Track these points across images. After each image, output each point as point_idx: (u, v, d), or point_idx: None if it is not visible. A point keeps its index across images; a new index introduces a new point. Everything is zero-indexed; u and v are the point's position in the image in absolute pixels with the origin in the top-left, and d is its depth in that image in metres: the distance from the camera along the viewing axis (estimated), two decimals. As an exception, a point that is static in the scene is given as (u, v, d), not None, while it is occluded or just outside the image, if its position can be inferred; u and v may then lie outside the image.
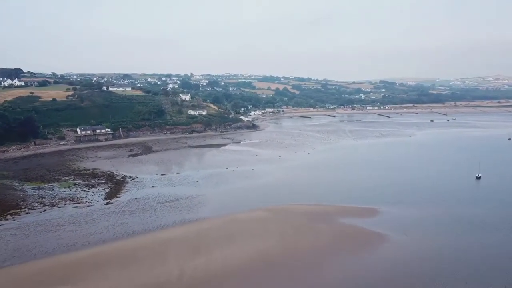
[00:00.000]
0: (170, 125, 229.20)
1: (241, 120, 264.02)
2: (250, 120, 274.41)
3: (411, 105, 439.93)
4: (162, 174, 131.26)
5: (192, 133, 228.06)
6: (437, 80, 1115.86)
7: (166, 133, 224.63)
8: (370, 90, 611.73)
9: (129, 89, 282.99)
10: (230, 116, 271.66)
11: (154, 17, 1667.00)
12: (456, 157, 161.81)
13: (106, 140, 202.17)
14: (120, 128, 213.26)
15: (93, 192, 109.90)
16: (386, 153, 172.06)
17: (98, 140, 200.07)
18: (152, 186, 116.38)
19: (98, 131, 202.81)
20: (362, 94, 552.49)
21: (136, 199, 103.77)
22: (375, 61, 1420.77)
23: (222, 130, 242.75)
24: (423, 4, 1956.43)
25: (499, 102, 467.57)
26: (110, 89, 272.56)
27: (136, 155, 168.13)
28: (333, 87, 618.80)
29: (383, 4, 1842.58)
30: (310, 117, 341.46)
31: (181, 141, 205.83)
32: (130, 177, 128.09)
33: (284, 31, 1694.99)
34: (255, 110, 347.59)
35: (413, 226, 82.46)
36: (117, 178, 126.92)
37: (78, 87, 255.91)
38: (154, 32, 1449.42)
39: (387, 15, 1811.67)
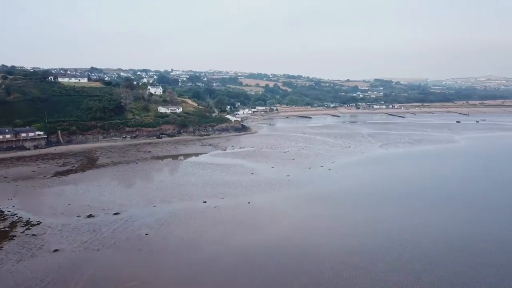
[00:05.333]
0: (131, 126, 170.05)
1: (228, 120, 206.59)
2: (239, 120, 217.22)
3: (419, 104, 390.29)
4: (89, 215, 73.49)
5: (161, 137, 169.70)
6: (428, 80, 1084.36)
7: (125, 137, 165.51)
8: (367, 88, 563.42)
9: (85, 80, 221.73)
10: (213, 115, 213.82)
11: (132, 13, 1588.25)
12: None
13: (35, 147, 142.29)
14: (59, 131, 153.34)
15: None
16: (449, 170, 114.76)
17: (23, 148, 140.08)
18: (55, 250, 58.82)
19: (23, 134, 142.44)
20: (360, 93, 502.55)
21: (-5, 295, 46.04)
22: (364, 62, 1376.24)
23: (202, 132, 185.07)
24: (414, 7, 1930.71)
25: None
26: (60, 80, 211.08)
27: (66, 172, 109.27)
28: (327, 84, 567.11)
29: (373, 4, 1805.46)
30: (310, 117, 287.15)
31: (143, 149, 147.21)
32: (28, 222, 70.61)
33: (271, 29, 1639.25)
34: (243, 109, 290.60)
35: None
36: (1, 225, 68.79)
37: (11, 76, 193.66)
38: (135, 29, 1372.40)
39: (378, 16, 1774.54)
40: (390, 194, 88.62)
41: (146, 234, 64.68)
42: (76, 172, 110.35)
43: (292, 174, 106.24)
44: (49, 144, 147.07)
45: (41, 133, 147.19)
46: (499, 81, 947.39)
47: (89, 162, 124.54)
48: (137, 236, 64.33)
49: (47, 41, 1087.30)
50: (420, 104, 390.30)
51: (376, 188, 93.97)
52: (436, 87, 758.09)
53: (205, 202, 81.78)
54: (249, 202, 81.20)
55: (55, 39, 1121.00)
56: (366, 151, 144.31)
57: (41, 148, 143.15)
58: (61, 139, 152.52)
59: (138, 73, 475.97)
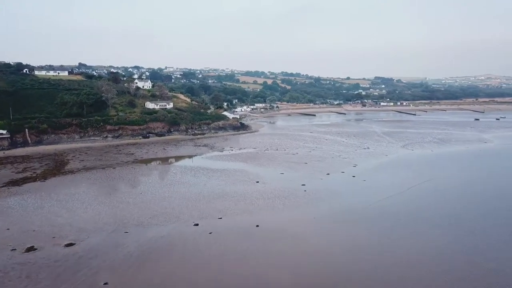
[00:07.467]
0: (113, 124, 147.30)
1: (225, 118, 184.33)
2: (237, 117, 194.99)
3: (428, 101, 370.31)
4: (30, 248, 51.11)
5: (148, 137, 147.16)
6: (428, 79, 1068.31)
7: (106, 136, 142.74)
8: (368, 86, 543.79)
9: (65, 73, 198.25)
10: (209, 111, 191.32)
11: (131, 12, 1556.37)
12: None
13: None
14: (27, 130, 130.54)
15: None
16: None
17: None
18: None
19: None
20: (361, 90, 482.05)
21: None
22: (363, 61, 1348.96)
23: (196, 131, 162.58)
24: (413, 7, 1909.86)
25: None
26: (37, 73, 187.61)
27: (23, 181, 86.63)
28: (327, 82, 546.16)
29: (372, 4, 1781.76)
30: (314, 115, 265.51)
31: (125, 151, 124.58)
32: None
33: (268, 28, 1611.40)
34: (241, 106, 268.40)
35: None
36: None
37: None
38: (134, 28, 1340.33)
39: (377, 15, 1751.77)
40: (448, 212, 66.65)
41: (105, 284, 42.33)
42: (35, 180, 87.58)
43: (308, 182, 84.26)
44: (13, 145, 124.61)
45: (4, 132, 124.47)
46: (499, 80, 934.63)
47: (56, 167, 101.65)
48: (90, 287, 41.97)
49: (41, 39, 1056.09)
50: (429, 101, 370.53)
51: (424, 204, 71.91)
52: (437, 86, 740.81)
53: (197, 224, 59.61)
54: (257, 225, 59.02)
55: (55, 39, 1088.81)
56: (388, 152, 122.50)
57: (3, 149, 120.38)
58: (29, 139, 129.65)
59: (130, 69, 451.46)
